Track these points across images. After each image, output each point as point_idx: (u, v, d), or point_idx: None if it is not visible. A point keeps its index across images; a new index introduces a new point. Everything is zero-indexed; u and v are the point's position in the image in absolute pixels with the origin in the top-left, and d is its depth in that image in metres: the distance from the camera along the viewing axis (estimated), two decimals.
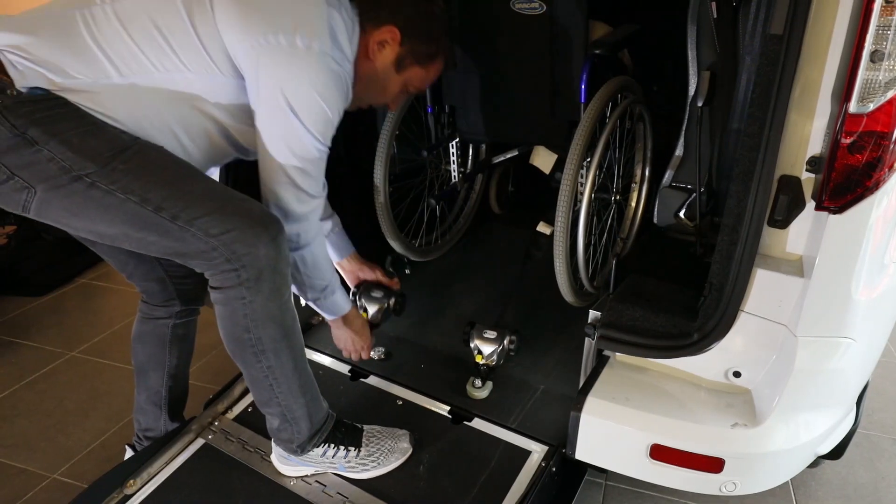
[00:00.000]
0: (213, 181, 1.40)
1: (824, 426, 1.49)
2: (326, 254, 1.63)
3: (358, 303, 2.01)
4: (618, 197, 2.11)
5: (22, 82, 1.22)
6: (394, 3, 1.48)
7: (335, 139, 1.45)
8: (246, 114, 1.39)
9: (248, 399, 1.91)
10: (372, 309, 2.00)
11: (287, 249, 1.39)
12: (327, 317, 1.76)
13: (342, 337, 1.83)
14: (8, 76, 1.21)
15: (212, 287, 1.38)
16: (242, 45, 1.29)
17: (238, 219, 1.31)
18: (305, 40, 1.29)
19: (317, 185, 1.46)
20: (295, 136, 1.35)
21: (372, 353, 1.99)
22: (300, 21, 1.30)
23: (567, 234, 1.78)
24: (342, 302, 1.72)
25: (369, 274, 2.02)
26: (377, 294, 2.00)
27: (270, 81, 1.30)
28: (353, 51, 1.44)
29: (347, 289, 1.94)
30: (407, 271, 2.16)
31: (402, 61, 1.53)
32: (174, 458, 1.71)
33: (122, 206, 1.26)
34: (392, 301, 2.01)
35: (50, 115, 1.22)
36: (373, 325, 2.02)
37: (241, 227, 1.30)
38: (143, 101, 1.30)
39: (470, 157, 2.54)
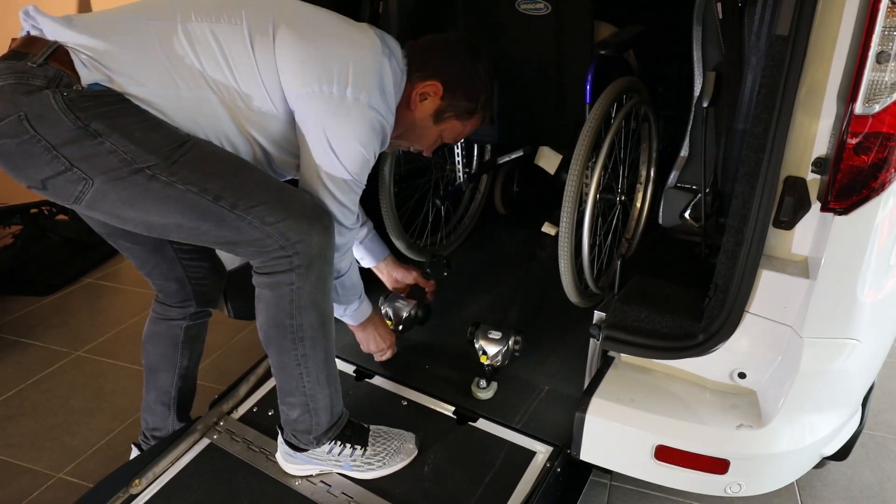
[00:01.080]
0: (266, 173, 1.45)
1: (830, 427, 1.49)
2: (358, 274, 1.73)
3: (382, 311, 2.03)
4: (623, 197, 2.11)
5: (87, 79, 1.26)
6: (441, 58, 1.57)
7: None
8: (288, 146, 1.48)
9: (254, 399, 1.92)
10: (396, 318, 2.02)
11: (335, 239, 1.46)
12: (352, 323, 1.85)
13: (367, 339, 1.92)
14: (75, 72, 1.26)
15: (259, 272, 1.42)
16: (297, 90, 1.38)
17: (292, 208, 1.37)
18: (355, 93, 1.38)
19: (352, 218, 1.53)
20: (334, 174, 1.44)
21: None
22: (354, 72, 1.38)
23: (572, 234, 1.78)
24: (367, 309, 1.84)
25: (406, 276, 2.07)
26: (401, 303, 2.04)
27: (318, 124, 1.40)
28: (397, 100, 1.53)
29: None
30: (446, 273, 2.16)
31: (442, 114, 1.61)
32: (179, 458, 1.71)
33: (181, 197, 1.30)
34: (415, 310, 2.04)
35: (112, 109, 1.27)
36: (396, 333, 2.05)
37: (295, 215, 1.36)
38: (200, 114, 1.36)
39: (475, 158, 2.54)
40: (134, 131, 1.27)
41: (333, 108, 1.38)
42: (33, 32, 1.32)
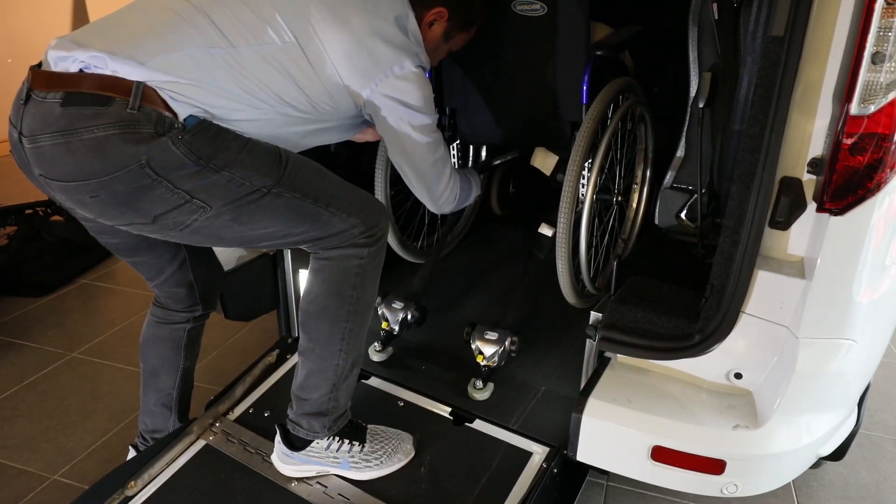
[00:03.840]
0: (332, 173, 1.56)
1: (826, 427, 1.49)
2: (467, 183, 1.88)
3: (378, 312, 2.03)
4: (619, 198, 2.11)
5: (183, 114, 1.31)
6: None
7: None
8: (354, 123, 1.64)
9: (250, 400, 1.91)
10: (392, 319, 2.02)
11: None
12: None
13: None
14: (171, 110, 1.29)
15: (328, 248, 1.52)
16: (366, 90, 1.49)
17: (363, 199, 1.55)
18: (409, 61, 1.52)
19: (440, 137, 1.67)
20: (423, 128, 1.59)
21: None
22: (395, 49, 1.49)
23: (569, 235, 1.78)
24: (476, 186, 1.97)
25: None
26: (397, 305, 2.04)
27: (393, 105, 1.52)
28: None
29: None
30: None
31: (450, 33, 1.70)
32: (175, 460, 1.71)
33: (288, 205, 1.41)
34: (412, 312, 2.04)
35: (219, 141, 1.34)
36: (392, 334, 2.05)
37: (368, 205, 1.54)
38: (276, 131, 1.46)
39: (471, 159, 2.54)
40: (243, 157, 1.36)
41: (402, 83, 1.51)
42: (95, 71, 1.28)
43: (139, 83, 1.26)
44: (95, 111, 1.24)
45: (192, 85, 1.31)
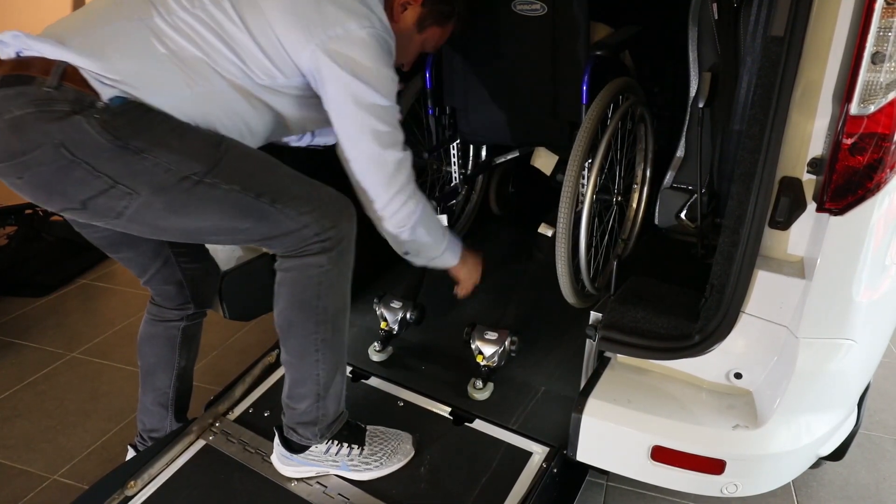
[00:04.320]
0: (291, 169, 1.47)
1: (826, 427, 1.49)
2: (434, 215, 1.66)
3: (377, 312, 2.03)
4: (619, 198, 2.11)
5: (105, 94, 1.26)
6: None
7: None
8: (307, 102, 1.48)
9: (250, 400, 1.91)
10: (391, 318, 2.02)
11: (355, 227, 1.49)
12: (451, 263, 1.76)
13: (470, 271, 1.86)
14: (92, 89, 1.25)
15: (288, 256, 1.45)
16: (305, 50, 1.36)
17: (323, 197, 1.44)
18: (360, 23, 1.37)
19: (400, 137, 1.50)
20: (377, 106, 1.42)
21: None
22: (346, 10, 1.37)
23: (569, 235, 1.78)
24: (455, 247, 1.75)
25: None
26: (396, 304, 2.04)
27: (342, 69, 1.37)
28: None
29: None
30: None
31: (423, 22, 1.62)
32: (175, 460, 1.71)
33: (225, 197, 1.33)
34: (410, 312, 2.04)
35: (143, 122, 1.28)
36: (391, 334, 2.05)
37: (326, 204, 1.43)
38: (216, 105, 1.37)
39: (471, 159, 2.54)
40: (171, 141, 1.29)
41: (348, 45, 1.37)
42: (26, 54, 1.28)
43: (61, 62, 1.24)
44: (17, 91, 1.23)
45: (118, 60, 1.27)
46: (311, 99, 1.47)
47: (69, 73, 1.24)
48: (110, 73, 1.26)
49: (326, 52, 1.35)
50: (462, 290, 1.88)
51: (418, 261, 1.68)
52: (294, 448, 1.61)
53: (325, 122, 1.49)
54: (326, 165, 1.57)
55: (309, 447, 1.61)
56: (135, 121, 1.27)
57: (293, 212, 1.38)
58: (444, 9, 1.64)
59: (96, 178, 1.25)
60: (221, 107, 1.38)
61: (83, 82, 1.25)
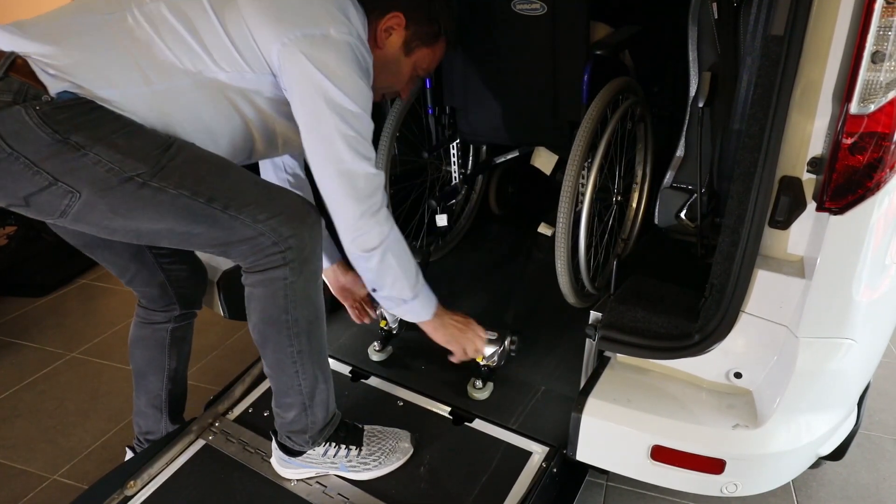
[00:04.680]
0: (249, 172, 1.42)
1: (826, 427, 1.49)
2: (408, 249, 1.55)
3: (378, 312, 2.02)
4: (619, 198, 2.11)
5: (53, 88, 1.22)
6: None
7: None
8: (275, 107, 1.42)
9: (249, 400, 1.91)
10: (390, 318, 2.02)
11: (322, 233, 1.44)
12: (423, 318, 1.63)
13: (452, 336, 1.71)
14: (40, 83, 1.21)
15: (249, 271, 1.40)
16: (278, 43, 1.31)
17: (281, 204, 1.37)
18: (338, 28, 1.33)
19: (373, 154, 1.43)
20: (345, 111, 1.35)
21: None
22: (328, 11, 1.34)
23: (568, 235, 1.78)
24: (431, 297, 1.62)
25: (355, 283, 1.97)
26: None
27: (312, 69, 1.31)
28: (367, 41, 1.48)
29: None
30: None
31: (410, 44, 1.57)
32: (175, 459, 1.71)
33: (173, 202, 1.28)
34: None
35: (88, 118, 1.23)
36: (391, 334, 2.04)
37: (285, 211, 1.36)
38: (177, 107, 1.32)
39: (471, 158, 2.54)
40: (116, 139, 1.24)
41: (323, 47, 1.32)
42: None
43: (10, 53, 1.22)
44: None
45: (72, 49, 1.24)
46: (281, 105, 1.41)
47: (18, 65, 1.21)
48: (61, 60, 1.23)
49: (300, 48, 1.30)
50: (455, 357, 1.75)
51: (387, 303, 1.57)
52: (291, 452, 1.61)
53: (294, 136, 1.43)
54: None
55: (305, 451, 1.61)
56: (78, 115, 1.22)
57: (247, 218, 1.32)
58: (428, 29, 1.58)
59: (36, 174, 1.21)
60: (183, 109, 1.34)
61: (31, 75, 1.21)
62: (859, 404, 1.66)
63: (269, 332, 1.46)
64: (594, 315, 1.68)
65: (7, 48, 1.23)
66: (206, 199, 1.30)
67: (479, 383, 1.89)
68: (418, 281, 1.56)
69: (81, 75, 1.24)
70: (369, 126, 1.41)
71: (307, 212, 1.40)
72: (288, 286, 1.39)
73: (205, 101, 1.35)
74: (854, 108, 1.20)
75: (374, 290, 1.56)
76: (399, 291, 1.54)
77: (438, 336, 1.69)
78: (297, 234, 1.36)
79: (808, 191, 1.33)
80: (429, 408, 1.87)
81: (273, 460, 1.65)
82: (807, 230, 1.36)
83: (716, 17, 1.81)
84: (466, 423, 1.80)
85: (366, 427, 1.70)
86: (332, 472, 1.64)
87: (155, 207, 1.28)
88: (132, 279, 1.68)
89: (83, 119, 1.23)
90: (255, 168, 1.76)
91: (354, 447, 1.63)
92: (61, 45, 1.24)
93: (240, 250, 1.37)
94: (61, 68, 1.23)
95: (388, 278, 1.50)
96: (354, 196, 1.40)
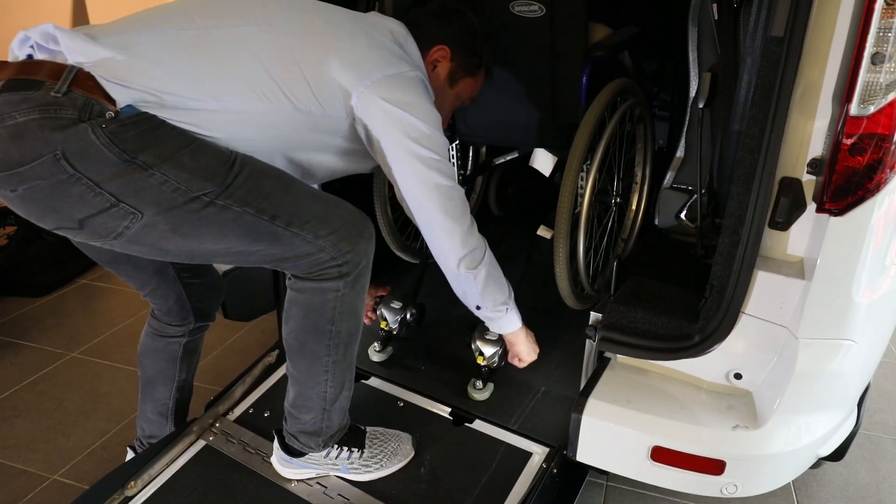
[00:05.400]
0: (306, 184, 1.42)
1: (826, 428, 1.49)
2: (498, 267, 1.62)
3: (378, 312, 2.03)
4: (619, 199, 2.11)
5: (120, 100, 1.18)
6: (437, 23, 1.60)
7: None
8: (340, 150, 1.46)
9: (250, 400, 1.91)
10: (391, 319, 2.02)
11: (374, 245, 1.45)
12: (510, 329, 1.70)
13: (522, 348, 1.77)
14: (105, 96, 1.17)
15: (302, 278, 1.39)
16: (360, 84, 1.34)
17: (340, 219, 1.37)
18: (409, 66, 1.43)
19: (454, 171, 1.51)
20: (428, 139, 1.40)
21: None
22: (394, 53, 1.43)
23: (567, 238, 1.78)
24: (517, 318, 1.70)
25: None
26: (396, 305, 2.04)
27: (391, 104, 1.36)
28: None
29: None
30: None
31: (455, 76, 1.64)
32: (175, 460, 1.71)
33: (237, 220, 1.26)
34: (410, 312, 2.05)
35: (155, 136, 1.19)
36: (392, 334, 2.05)
37: (344, 226, 1.37)
38: (247, 127, 1.31)
39: (470, 160, 2.54)
40: (182, 158, 1.20)
41: (399, 85, 1.38)
42: (39, 56, 1.21)
43: (73, 67, 1.16)
44: (23, 96, 1.14)
45: (148, 65, 1.21)
46: (348, 145, 1.45)
47: (80, 78, 1.16)
48: (133, 79, 1.19)
49: (376, 90, 1.35)
50: (521, 363, 1.80)
51: (491, 314, 1.62)
52: (294, 453, 1.61)
53: (318, 170, 1.49)
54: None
55: (308, 453, 1.61)
56: (145, 133, 1.18)
57: (309, 235, 1.32)
58: (472, 60, 1.66)
59: (97, 196, 1.16)
60: (254, 133, 1.33)
61: (95, 88, 1.16)
62: (859, 405, 1.66)
63: (308, 340, 1.44)
64: (594, 316, 1.68)
65: (72, 60, 1.18)
66: (270, 216, 1.28)
67: (479, 384, 1.89)
68: (508, 284, 1.62)
69: (157, 88, 1.20)
70: (446, 143, 1.47)
71: (364, 225, 1.41)
72: (338, 298, 1.40)
73: (270, 128, 1.34)
74: (854, 109, 1.20)
75: (477, 308, 1.60)
76: (503, 298, 1.61)
77: (521, 343, 1.74)
78: (354, 249, 1.37)
79: (808, 192, 1.33)
80: (429, 408, 1.87)
81: (273, 459, 1.65)
82: (807, 231, 1.36)
83: (716, 17, 1.81)
84: (467, 424, 1.80)
85: (368, 429, 1.70)
86: (332, 473, 1.64)
87: (218, 226, 1.25)
88: (151, 292, 1.67)
89: (150, 137, 1.19)
90: None
91: (357, 449, 1.63)
92: (134, 56, 1.21)
93: (296, 264, 1.36)
94: (133, 84, 1.19)
95: (491, 287, 1.56)
96: (454, 217, 1.46)
